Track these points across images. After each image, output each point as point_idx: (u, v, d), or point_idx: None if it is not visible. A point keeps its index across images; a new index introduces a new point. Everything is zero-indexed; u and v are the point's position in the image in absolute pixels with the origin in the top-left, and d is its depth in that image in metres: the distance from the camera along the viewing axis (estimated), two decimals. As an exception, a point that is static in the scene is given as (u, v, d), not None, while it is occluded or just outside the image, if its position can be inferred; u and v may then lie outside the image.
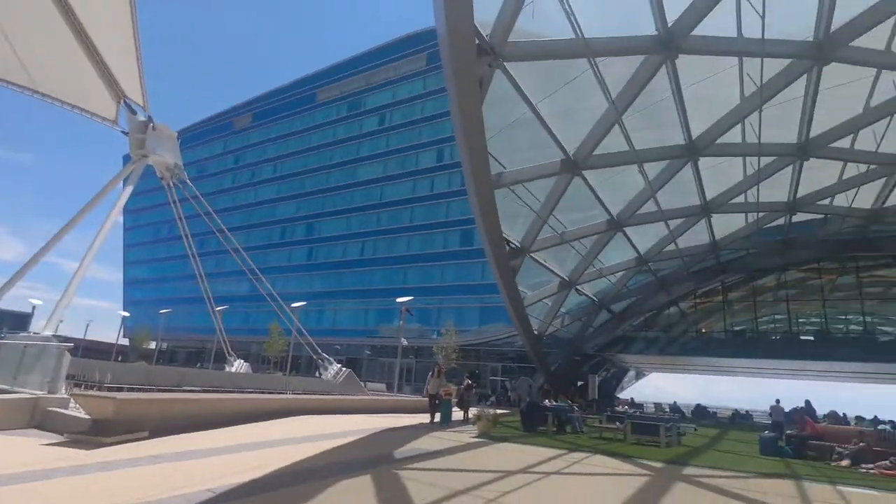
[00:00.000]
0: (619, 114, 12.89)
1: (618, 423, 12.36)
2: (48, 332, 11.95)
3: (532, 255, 19.10)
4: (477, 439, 9.99)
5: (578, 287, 23.90)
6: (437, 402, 13.11)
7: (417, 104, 51.11)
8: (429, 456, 7.65)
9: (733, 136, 15.01)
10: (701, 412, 30.41)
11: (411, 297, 26.67)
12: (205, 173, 68.14)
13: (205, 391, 12.18)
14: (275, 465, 6.18)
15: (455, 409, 15.19)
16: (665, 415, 25.61)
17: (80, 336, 54.87)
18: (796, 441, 11.31)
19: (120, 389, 10.48)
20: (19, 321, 53.09)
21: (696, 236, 23.65)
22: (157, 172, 16.58)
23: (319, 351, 19.59)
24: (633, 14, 11.47)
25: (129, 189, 14.95)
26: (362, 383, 22.75)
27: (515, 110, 13.25)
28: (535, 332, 25.79)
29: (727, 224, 23.07)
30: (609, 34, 11.24)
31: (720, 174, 18.22)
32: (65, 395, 8.34)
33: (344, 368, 19.32)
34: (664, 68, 11.85)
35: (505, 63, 10.85)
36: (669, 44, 11.07)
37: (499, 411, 12.99)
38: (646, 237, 22.79)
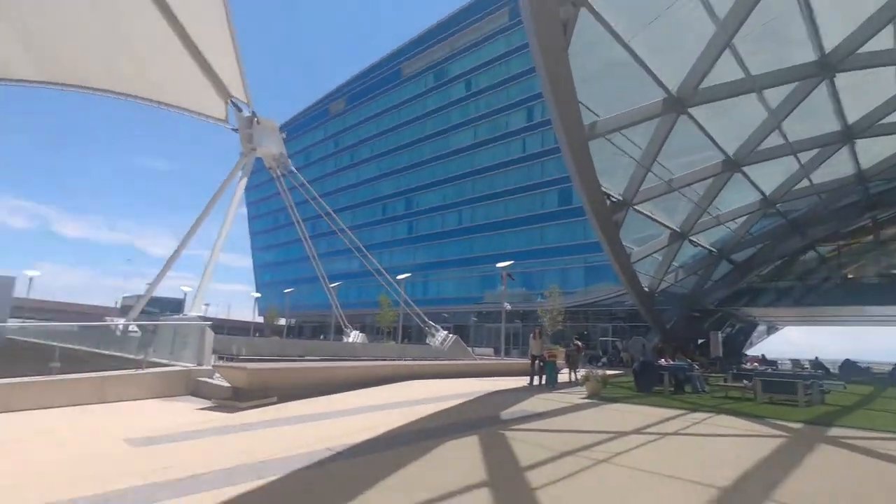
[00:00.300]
0: (728, 36, 11.31)
1: (745, 382, 11.26)
2: (194, 314, 13.66)
3: (636, 207, 17.85)
4: (585, 400, 9.73)
5: (692, 238, 21.98)
6: (541, 363, 12.96)
7: (503, 64, 49.51)
8: (535, 417, 7.60)
9: (882, 41, 12.46)
10: (850, 368, 26.79)
11: (511, 262, 26.44)
12: (311, 160, 72.85)
13: (322, 360, 13.31)
14: (386, 427, 6.52)
15: (563, 371, 14.95)
16: (804, 372, 23.01)
17: (225, 317, 62.64)
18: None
19: (252, 361, 11.78)
20: (176, 306, 61.91)
21: (835, 168, 20.40)
22: (265, 163, 17.89)
23: (426, 319, 20.32)
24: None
25: (244, 181, 16.31)
26: (469, 349, 23.28)
27: (606, 55, 12.23)
28: (646, 290, 24.32)
29: (876, 150, 19.55)
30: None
31: (864, 91, 15.39)
32: (209, 367, 9.54)
33: (450, 335, 19.87)
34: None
35: (590, 0, 9.96)
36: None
37: (609, 372, 12.50)
38: (771, 176, 20.15)
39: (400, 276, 31.33)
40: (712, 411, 8.60)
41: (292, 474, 4.38)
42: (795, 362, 28.38)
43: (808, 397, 9.99)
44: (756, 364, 14.47)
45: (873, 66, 13.60)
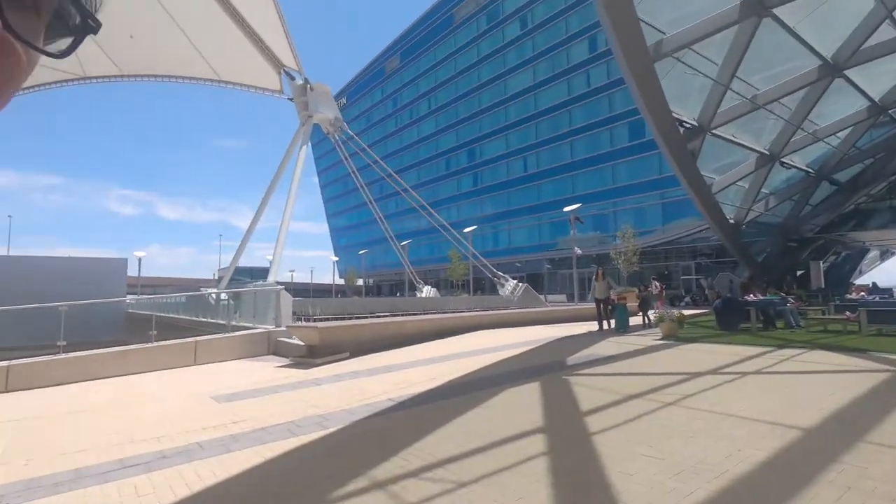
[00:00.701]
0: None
1: (847, 313, 10.12)
2: (271, 279, 14.51)
3: (714, 132, 16.19)
4: (659, 342, 9.26)
5: (784, 160, 19.72)
6: (609, 307, 12.37)
7: (559, -8, 45.91)
8: (603, 361, 7.35)
9: None
10: None
11: (579, 205, 25.34)
12: (372, 122, 73.43)
13: (392, 316, 13.76)
14: (447, 377, 6.60)
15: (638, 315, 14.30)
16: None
17: (308, 281, 66.63)
18: None
19: (325, 320, 12.41)
20: (263, 274, 66.77)
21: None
22: (323, 129, 18.17)
23: (495, 270, 20.25)
24: None
25: (304, 149, 16.70)
26: (542, 296, 23.00)
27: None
28: (731, 221, 22.43)
29: None
30: None
31: None
32: (285, 328, 10.16)
33: (520, 284, 19.69)
34: None
35: None
36: None
37: (690, 312, 11.74)
38: (880, 77, 17.38)
39: (466, 230, 31.27)
40: (805, 347, 7.84)
41: (353, 424, 4.56)
42: (914, 289, 25.26)
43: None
44: (864, 294, 12.97)
45: None
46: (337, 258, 74.80)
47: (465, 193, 57.09)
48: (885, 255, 42.39)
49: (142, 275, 55.56)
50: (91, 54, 16.81)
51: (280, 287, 12.45)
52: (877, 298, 11.62)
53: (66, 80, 18.47)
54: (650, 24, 11.71)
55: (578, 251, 22.94)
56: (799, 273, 30.25)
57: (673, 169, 17.46)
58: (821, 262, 30.00)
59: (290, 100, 17.61)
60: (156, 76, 18.24)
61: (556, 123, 45.69)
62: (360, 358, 8.62)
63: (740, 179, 20.12)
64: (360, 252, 59.97)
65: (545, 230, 47.05)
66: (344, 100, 78.56)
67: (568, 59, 45.03)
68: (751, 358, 6.99)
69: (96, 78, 18.25)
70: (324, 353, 8.56)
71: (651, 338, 9.95)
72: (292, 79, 17.49)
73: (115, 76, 18.07)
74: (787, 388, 5.37)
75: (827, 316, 10.98)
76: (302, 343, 9.04)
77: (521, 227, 49.86)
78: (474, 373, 6.90)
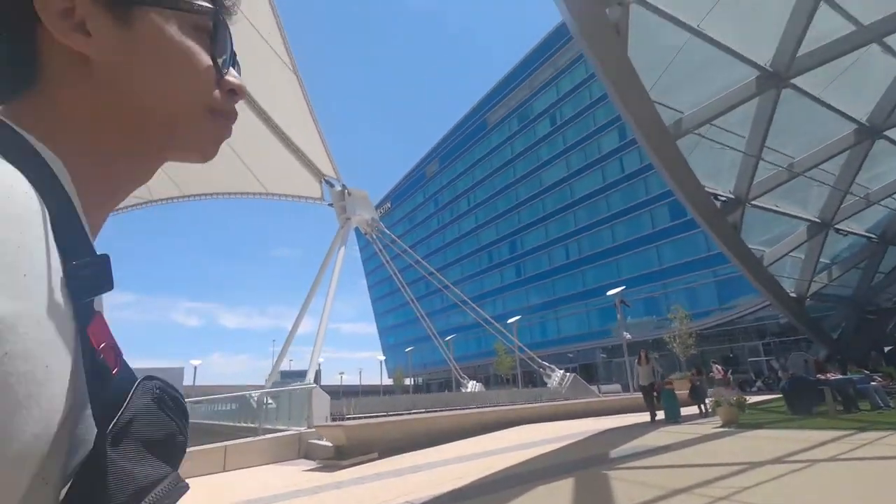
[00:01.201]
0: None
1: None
2: (309, 379, 14.41)
3: (754, 202, 15.66)
4: (717, 430, 8.23)
5: (839, 227, 18.61)
6: (655, 394, 11.24)
7: (584, 90, 48.55)
8: (649, 453, 6.54)
9: None
10: None
11: (623, 288, 24.50)
12: (416, 222, 76.53)
13: (427, 411, 13.10)
14: (477, 475, 6.04)
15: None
16: None
17: (356, 382, 65.93)
18: None
19: (358, 419, 11.97)
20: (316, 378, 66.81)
21: None
22: (362, 230, 19.00)
23: (540, 361, 19.37)
24: None
25: (343, 250, 17.38)
26: (595, 386, 21.54)
27: (671, 42, 11.28)
28: (793, 296, 20.87)
29: None
30: None
31: None
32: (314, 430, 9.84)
33: (568, 374, 18.61)
34: None
35: (636, -7, 9.35)
36: None
37: (759, 398, 10.48)
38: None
39: (510, 320, 30.59)
40: (893, 429, 6.73)
41: (359, 530, 4.15)
42: None
43: None
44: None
45: None
46: (384, 357, 74.32)
47: (510, 285, 56.84)
48: None
49: (198, 383, 56.89)
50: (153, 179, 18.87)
51: (313, 386, 12.31)
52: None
53: (137, 205, 20.61)
54: (665, 105, 11.96)
55: (628, 336, 21.75)
56: (887, 349, 27.13)
57: (718, 245, 16.82)
58: (910, 335, 26.90)
59: (330, 205, 18.68)
60: (211, 194, 20.09)
61: (593, 210, 45.94)
62: (390, 458, 8.10)
63: (793, 250, 19.01)
64: (406, 349, 59.45)
65: (594, 317, 45.36)
66: (389, 204, 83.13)
67: (599, 148, 46.36)
68: (824, 444, 6.03)
69: (160, 200, 20.28)
70: (352, 453, 8.13)
71: (709, 426, 8.87)
72: (332, 186, 18.70)
73: (176, 197, 20.03)
74: (867, 476, 4.51)
75: None
76: (330, 444, 8.66)
77: (569, 316, 48.38)
78: (506, 469, 6.29)
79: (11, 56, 0.44)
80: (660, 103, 11.77)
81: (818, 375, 11.04)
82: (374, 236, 19.05)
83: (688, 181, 13.51)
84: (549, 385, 18.27)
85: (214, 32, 0.49)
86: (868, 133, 14.79)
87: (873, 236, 21.02)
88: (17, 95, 0.44)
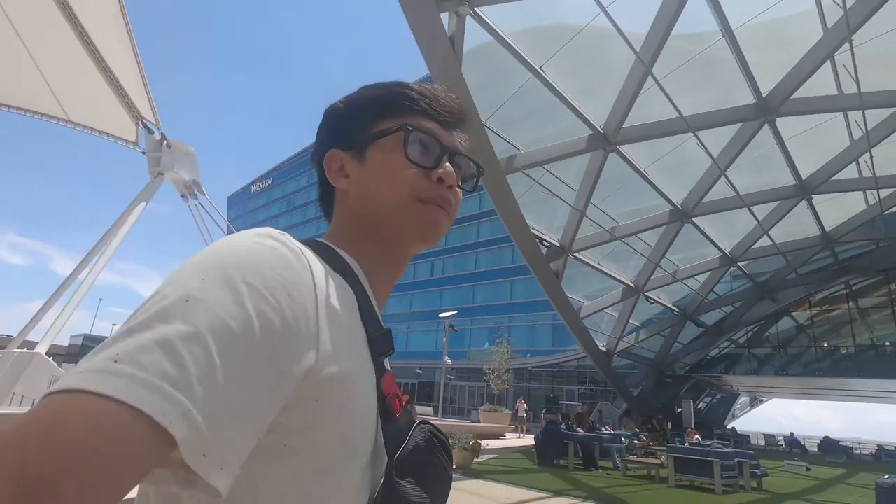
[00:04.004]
0: (647, 68, 10.32)
1: (663, 458, 9.30)
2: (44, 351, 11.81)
3: (577, 256, 16.39)
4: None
5: (648, 294, 20.37)
6: None
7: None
8: None
9: (821, 85, 11.53)
10: (830, 447, 24.46)
11: (454, 312, 24.71)
12: (294, 206, 72.38)
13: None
14: None
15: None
16: (779, 448, 20.60)
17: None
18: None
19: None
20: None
21: (799, 227, 19.24)
22: (178, 191, 16.64)
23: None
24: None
25: (141, 206, 14.99)
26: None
27: (518, 73, 11.13)
28: (603, 349, 22.46)
29: (841, 208, 18.46)
30: None
31: (815, 141, 14.44)
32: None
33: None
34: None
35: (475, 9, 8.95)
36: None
37: (512, 444, 10.37)
38: (729, 229, 18.93)
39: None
40: (585, 497, 6.69)
41: None
42: (770, 438, 26.01)
43: (732, 479, 8.10)
44: (698, 437, 12.47)
45: (812, 112, 12.67)
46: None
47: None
48: (754, 401, 44.76)
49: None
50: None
51: (35, 354, 10.00)
52: (727, 445, 10.98)
53: None
54: (500, 136, 11.82)
55: (449, 361, 21.73)
56: (679, 410, 30.58)
57: (542, 289, 17.29)
58: (692, 401, 30.61)
59: (144, 153, 16.11)
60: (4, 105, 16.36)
61: (464, 234, 46.54)
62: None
63: (607, 307, 20.41)
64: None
65: (442, 337, 45.77)
66: (269, 181, 77.83)
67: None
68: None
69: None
70: None
71: None
72: (151, 133, 16.15)
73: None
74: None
75: (639, 459, 10.12)
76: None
77: (421, 332, 48.41)
78: None
79: (322, 204, 0.76)
80: (493, 131, 11.58)
81: (577, 427, 11.39)
82: (192, 203, 16.79)
83: (517, 221, 13.57)
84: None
85: (406, 140, 0.66)
86: (679, 216, 16.21)
87: (676, 310, 23.44)
88: (330, 224, 0.73)
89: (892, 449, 25.08)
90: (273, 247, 0.51)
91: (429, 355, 46.59)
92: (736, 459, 8.14)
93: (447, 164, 0.68)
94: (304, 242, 0.57)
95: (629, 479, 8.87)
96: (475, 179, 0.77)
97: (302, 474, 0.47)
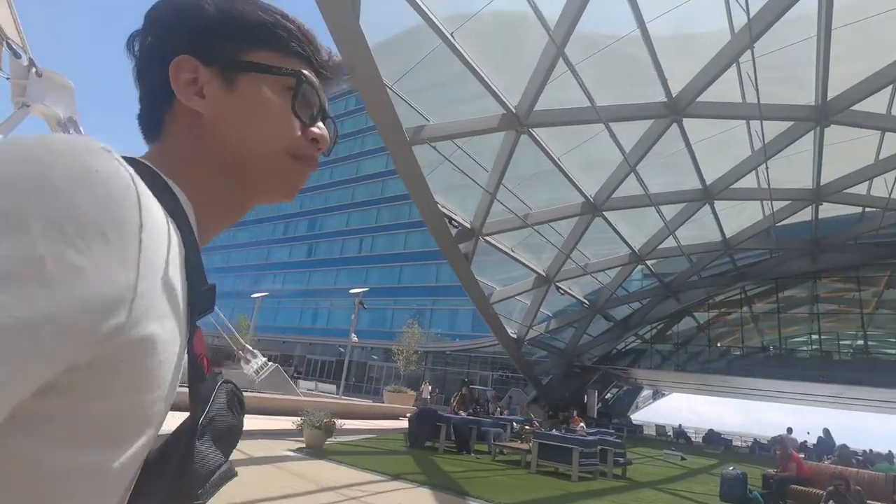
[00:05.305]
0: (558, 49, 9.98)
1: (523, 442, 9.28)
2: None
3: (489, 240, 16.14)
4: (287, 452, 7.21)
5: (559, 285, 20.63)
6: None
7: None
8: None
9: (727, 91, 11.76)
10: (712, 439, 26.31)
11: (366, 289, 24.12)
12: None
13: None
14: None
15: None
16: (667, 439, 21.75)
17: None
18: (776, 483, 8.01)
19: None
20: None
21: (702, 232, 20.13)
22: (49, 128, 14.65)
23: (243, 343, 17.27)
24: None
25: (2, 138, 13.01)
26: (293, 381, 19.79)
27: (429, 39, 10.52)
28: (514, 336, 22.67)
29: (740, 216, 19.46)
30: None
31: (720, 147, 14.92)
32: None
33: (270, 363, 16.88)
34: None
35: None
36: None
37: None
38: (638, 227, 19.45)
39: (254, 295, 27.95)
40: (425, 481, 6.34)
41: None
42: (660, 429, 27.60)
43: (591, 467, 8.11)
44: (583, 425, 12.70)
45: (716, 117, 12.99)
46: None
47: (297, 262, 53.30)
48: (656, 394, 47.67)
49: None
50: None
51: None
52: (590, 434, 11.15)
53: None
54: (407, 101, 11.17)
55: (355, 338, 21.09)
56: (586, 400, 31.74)
57: (451, 267, 16.94)
58: (597, 392, 31.92)
59: (8, 79, 13.96)
60: None
61: (395, 212, 45.74)
62: None
63: (519, 294, 20.51)
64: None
65: (362, 315, 44.98)
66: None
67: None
68: (337, 488, 5.19)
69: None
70: None
71: (288, 446, 7.76)
72: (18, 57, 14.00)
73: None
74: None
75: (509, 444, 10.05)
76: None
77: (342, 309, 47.32)
78: None
79: (146, 116, 0.59)
80: (398, 95, 10.91)
81: (459, 409, 11.17)
82: (70, 143, 14.85)
83: (421, 192, 13.01)
84: (246, 371, 16.30)
85: (297, 91, 0.58)
86: (591, 208, 16.33)
87: (586, 302, 24.04)
88: (153, 143, 0.58)
89: (765, 443, 27.42)
90: (95, 168, 0.38)
91: (345, 333, 45.70)
92: (599, 448, 8.20)
93: (321, 125, 0.62)
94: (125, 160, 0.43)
95: (496, 464, 8.72)
96: (332, 145, 0.67)
97: (88, 443, 0.38)
